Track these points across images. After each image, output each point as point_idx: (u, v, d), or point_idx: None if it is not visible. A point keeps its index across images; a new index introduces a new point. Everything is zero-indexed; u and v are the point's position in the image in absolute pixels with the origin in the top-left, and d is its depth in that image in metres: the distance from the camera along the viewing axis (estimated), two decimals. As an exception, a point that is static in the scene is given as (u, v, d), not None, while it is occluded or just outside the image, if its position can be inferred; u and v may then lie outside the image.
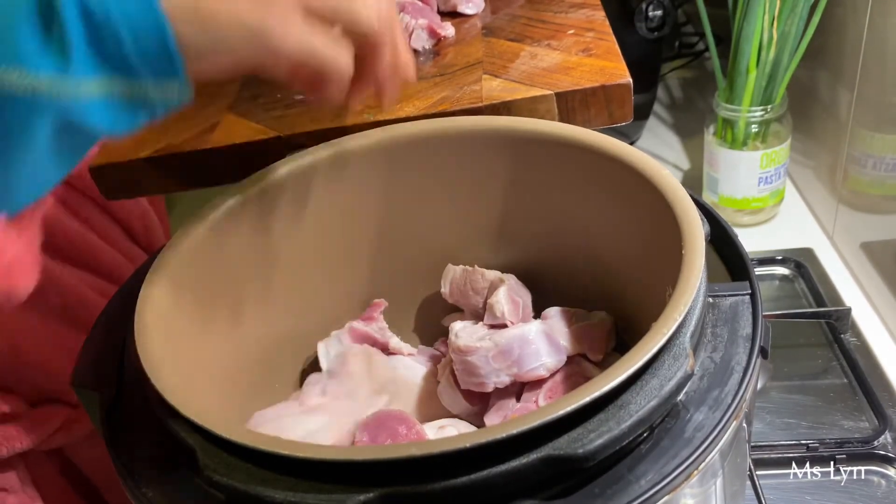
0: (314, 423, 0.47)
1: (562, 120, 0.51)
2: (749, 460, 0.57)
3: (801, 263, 0.82)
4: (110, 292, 0.60)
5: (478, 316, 0.54)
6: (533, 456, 0.32)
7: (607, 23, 0.58)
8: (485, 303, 0.53)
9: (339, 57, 0.37)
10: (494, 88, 0.52)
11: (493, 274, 0.54)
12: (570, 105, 0.51)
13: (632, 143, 0.99)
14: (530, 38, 0.59)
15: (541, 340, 0.48)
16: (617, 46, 0.54)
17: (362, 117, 0.54)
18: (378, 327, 0.54)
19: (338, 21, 0.37)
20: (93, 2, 0.30)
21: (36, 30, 0.29)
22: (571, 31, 0.58)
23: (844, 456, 0.62)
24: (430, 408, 0.51)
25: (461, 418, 0.50)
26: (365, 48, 0.39)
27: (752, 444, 0.61)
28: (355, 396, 0.51)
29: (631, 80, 0.50)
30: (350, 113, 0.55)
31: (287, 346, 0.54)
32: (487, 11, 0.68)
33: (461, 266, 0.55)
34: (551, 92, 0.50)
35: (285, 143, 0.54)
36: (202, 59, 0.34)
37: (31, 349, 0.58)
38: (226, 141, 0.55)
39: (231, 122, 0.57)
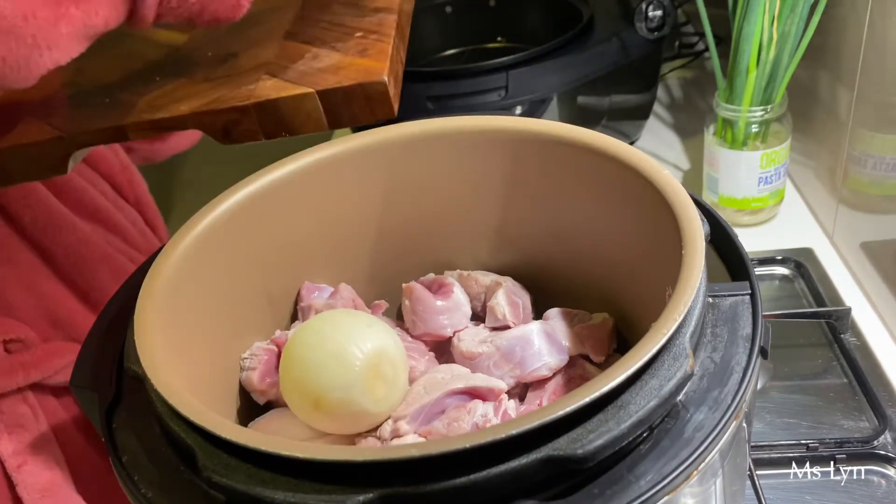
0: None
1: (330, 117, 0.51)
2: (749, 460, 0.57)
3: (801, 263, 0.82)
4: (99, 237, 0.68)
5: (476, 319, 0.54)
6: (533, 456, 0.32)
7: (394, 24, 0.57)
8: (482, 306, 0.54)
9: None
10: (266, 88, 0.52)
11: (488, 278, 0.54)
12: (334, 102, 0.50)
13: (632, 143, 0.99)
14: (321, 40, 0.58)
15: (542, 340, 0.48)
16: (391, 48, 0.54)
17: (140, 116, 0.52)
18: None
19: None
20: None
21: None
22: (359, 34, 0.57)
23: (844, 456, 0.62)
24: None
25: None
26: None
27: (752, 444, 0.60)
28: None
29: (385, 79, 0.49)
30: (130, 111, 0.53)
31: (287, 347, 0.54)
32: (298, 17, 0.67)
33: (457, 271, 0.55)
34: (312, 90, 0.50)
35: (69, 143, 0.52)
36: None
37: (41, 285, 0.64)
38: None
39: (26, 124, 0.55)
